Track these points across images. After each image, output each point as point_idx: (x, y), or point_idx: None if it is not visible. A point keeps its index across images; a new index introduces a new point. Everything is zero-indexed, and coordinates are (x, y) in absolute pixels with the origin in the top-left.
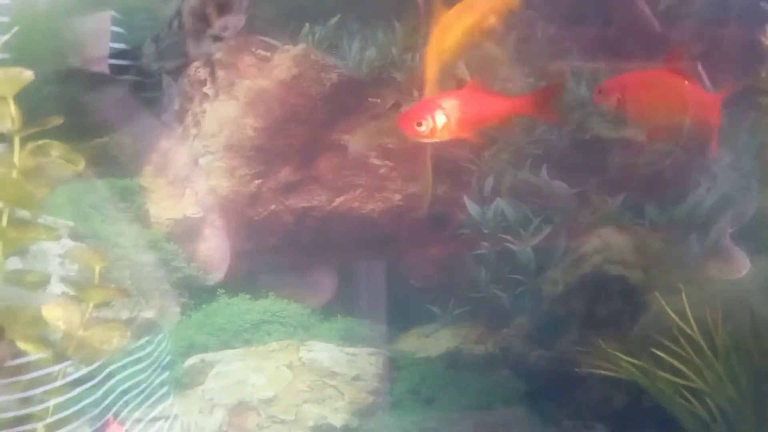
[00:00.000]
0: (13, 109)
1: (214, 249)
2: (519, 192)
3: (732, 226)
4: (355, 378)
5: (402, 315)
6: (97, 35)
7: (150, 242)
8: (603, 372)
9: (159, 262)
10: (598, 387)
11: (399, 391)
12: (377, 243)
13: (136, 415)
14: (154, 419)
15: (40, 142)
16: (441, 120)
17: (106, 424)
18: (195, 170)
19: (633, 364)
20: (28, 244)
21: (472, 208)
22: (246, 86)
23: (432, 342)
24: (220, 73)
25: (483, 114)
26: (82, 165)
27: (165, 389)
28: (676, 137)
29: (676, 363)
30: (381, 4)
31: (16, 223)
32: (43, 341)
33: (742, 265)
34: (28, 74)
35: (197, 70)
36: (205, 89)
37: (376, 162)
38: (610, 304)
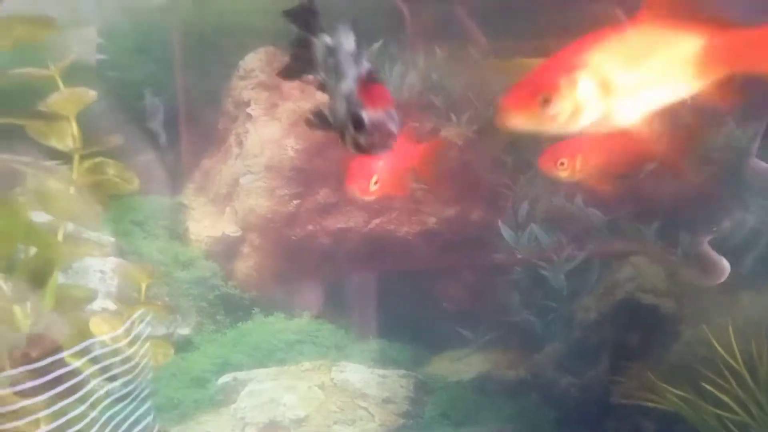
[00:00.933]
0: (75, 128)
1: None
2: (553, 218)
3: (710, 234)
4: (386, 400)
5: (434, 338)
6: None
7: (189, 259)
8: (635, 401)
9: (197, 279)
10: (628, 415)
11: (429, 415)
12: (411, 266)
13: None
14: None
15: (97, 159)
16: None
17: None
18: (236, 189)
19: (674, 394)
20: (78, 259)
21: (507, 232)
22: (289, 108)
23: (463, 366)
24: (264, 95)
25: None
26: (136, 183)
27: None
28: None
29: (717, 393)
30: (423, 29)
31: (69, 238)
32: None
33: (721, 272)
34: (91, 94)
35: (241, 92)
36: (249, 110)
37: (412, 185)
38: (641, 332)
